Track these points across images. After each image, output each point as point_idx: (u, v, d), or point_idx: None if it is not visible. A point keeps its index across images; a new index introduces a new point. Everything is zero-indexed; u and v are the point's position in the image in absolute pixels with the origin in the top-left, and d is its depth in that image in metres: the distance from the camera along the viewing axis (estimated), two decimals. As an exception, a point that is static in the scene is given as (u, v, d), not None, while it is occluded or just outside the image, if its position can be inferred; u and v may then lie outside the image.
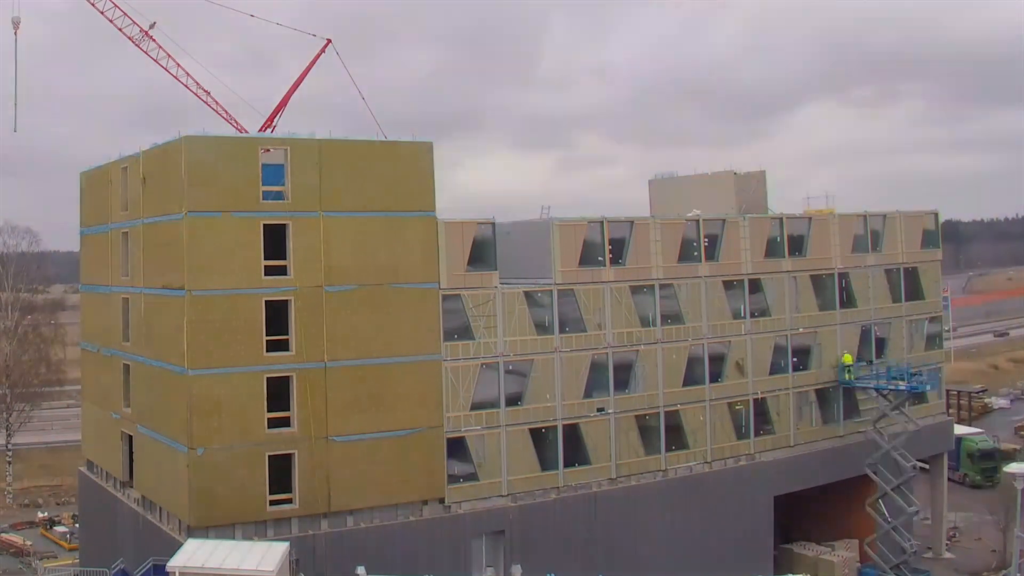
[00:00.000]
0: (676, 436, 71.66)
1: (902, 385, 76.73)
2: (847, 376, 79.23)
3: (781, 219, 78.88)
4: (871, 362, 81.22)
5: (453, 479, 62.36)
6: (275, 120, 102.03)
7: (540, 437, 65.86)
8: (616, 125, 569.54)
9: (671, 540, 67.52)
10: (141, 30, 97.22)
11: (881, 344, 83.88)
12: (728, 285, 74.69)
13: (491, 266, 64.25)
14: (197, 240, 56.01)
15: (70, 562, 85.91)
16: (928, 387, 79.74)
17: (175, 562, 50.50)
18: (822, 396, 79.72)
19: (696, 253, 73.07)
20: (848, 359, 79.44)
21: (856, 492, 79.64)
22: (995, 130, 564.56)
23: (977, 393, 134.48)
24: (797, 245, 78.81)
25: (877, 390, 78.28)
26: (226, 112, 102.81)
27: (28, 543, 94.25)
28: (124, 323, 66.94)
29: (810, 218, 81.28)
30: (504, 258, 65.03)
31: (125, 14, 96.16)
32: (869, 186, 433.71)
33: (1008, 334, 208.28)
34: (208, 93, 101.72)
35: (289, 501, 57.37)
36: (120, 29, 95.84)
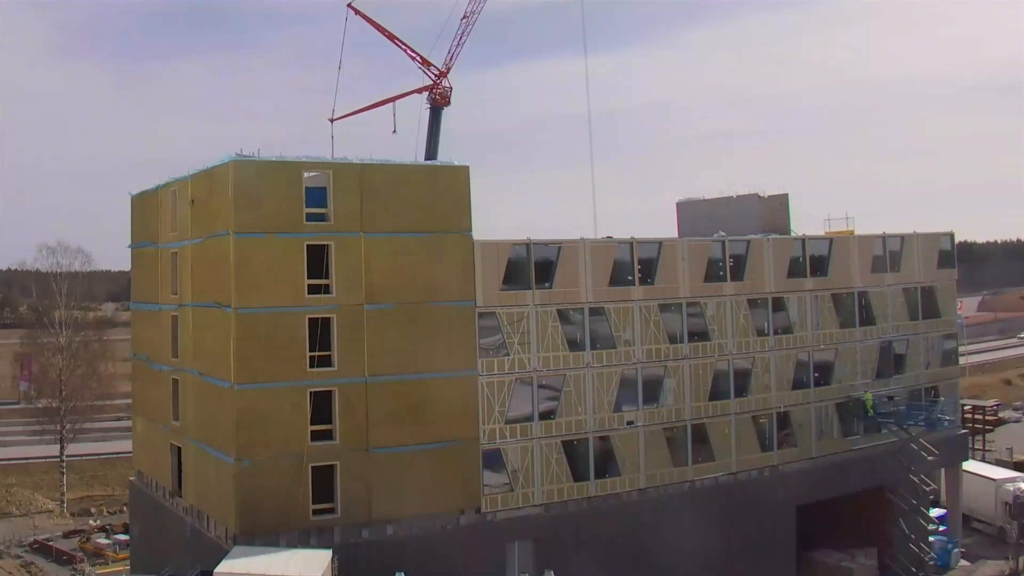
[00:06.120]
0: (702, 448, 71.26)
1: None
2: (869, 413, 78.70)
3: (803, 240, 78.57)
4: (891, 398, 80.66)
5: (489, 489, 62.08)
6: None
7: (572, 449, 65.41)
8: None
9: (697, 548, 66.60)
10: None
11: (899, 360, 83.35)
12: (752, 303, 74.23)
13: (526, 285, 64.01)
14: (243, 260, 55.84)
15: (120, 569, 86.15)
16: (947, 423, 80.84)
17: (221, 569, 50.31)
18: (842, 410, 79.10)
19: (722, 273, 72.70)
20: (869, 398, 78.81)
21: (875, 501, 79.05)
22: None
23: (991, 407, 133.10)
24: (819, 265, 78.41)
25: (898, 425, 77.79)
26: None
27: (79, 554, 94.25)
28: (173, 339, 66.84)
29: (831, 239, 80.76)
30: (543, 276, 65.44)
31: None
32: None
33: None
34: None
35: (331, 510, 57.09)
36: None
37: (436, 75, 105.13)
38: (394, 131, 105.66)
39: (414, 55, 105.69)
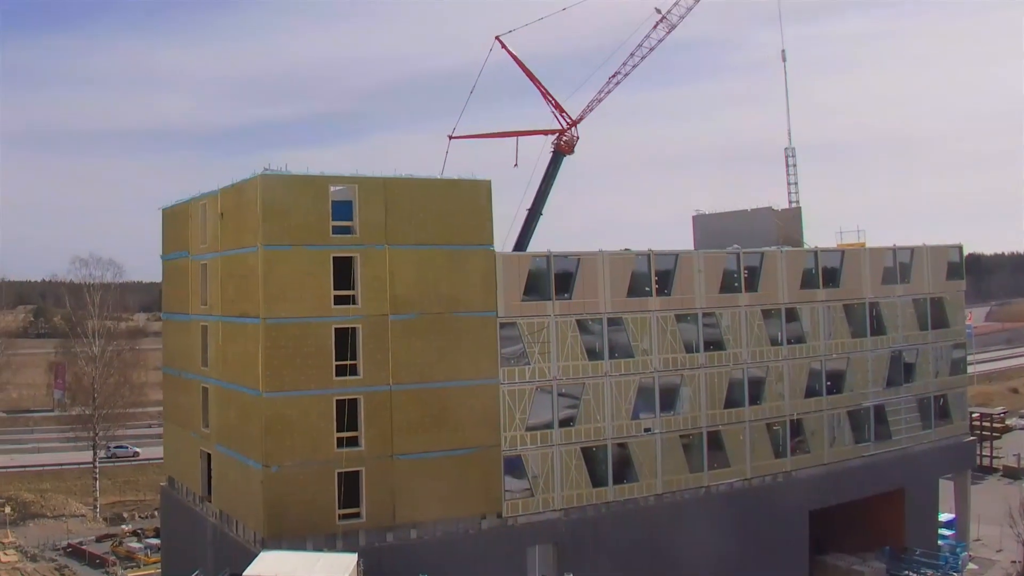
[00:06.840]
0: (718, 454, 71.19)
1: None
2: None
3: (816, 252, 78.44)
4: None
5: (510, 494, 62.07)
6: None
7: (591, 455, 65.37)
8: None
9: (712, 552, 66.48)
10: None
11: (909, 369, 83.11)
12: (766, 314, 74.18)
13: (546, 296, 64.06)
14: (271, 272, 56.00)
15: (151, 572, 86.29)
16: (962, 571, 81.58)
17: (250, 572, 50.28)
18: (854, 417, 78.95)
19: (736, 284, 72.65)
20: None
21: (886, 506, 79.04)
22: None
23: (998, 415, 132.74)
24: (831, 277, 78.31)
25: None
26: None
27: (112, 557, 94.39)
28: (203, 349, 66.99)
29: (843, 251, 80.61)
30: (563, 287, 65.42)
31: None
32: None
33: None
34: None
35: (357, 515, 57.21)
36: None
37: (568, 123, 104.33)
38: (515, 165, 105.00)
39: (550, 99, 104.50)
